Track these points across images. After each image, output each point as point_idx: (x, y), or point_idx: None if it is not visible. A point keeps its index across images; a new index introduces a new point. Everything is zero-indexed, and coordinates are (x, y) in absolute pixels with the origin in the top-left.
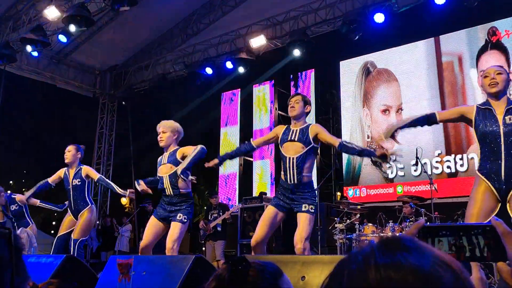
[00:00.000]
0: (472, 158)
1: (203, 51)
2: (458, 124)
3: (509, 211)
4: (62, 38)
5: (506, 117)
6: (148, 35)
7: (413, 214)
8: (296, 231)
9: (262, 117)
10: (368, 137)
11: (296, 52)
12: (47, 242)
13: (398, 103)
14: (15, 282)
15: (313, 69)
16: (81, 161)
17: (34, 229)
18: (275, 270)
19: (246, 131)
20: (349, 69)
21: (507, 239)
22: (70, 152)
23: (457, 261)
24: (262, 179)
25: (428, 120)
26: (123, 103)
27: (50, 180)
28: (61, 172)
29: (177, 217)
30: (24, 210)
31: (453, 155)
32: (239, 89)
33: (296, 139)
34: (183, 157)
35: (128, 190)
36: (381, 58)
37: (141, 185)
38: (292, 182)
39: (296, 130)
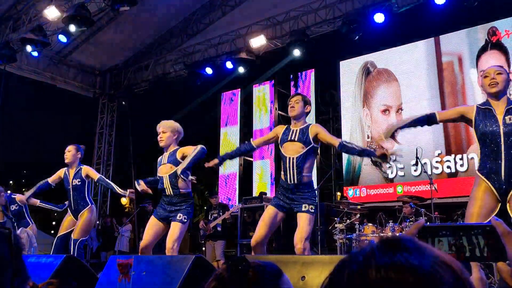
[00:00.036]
0: (472, 158)
1: (203, 51)
2: (458, 124)
3: (509, 211)
4: (62, 38)
5: (506, 117)
6: (148, 35)
7: (413, 214)
8: (296, 231)
9: (262, 117)
10: (368, 137)
11: (296, 52)
12: (47, 242)
13: (398, 103)
14: (15, 282)
15: (313, 69)
16: (81, 161)
17: (34, 229)
18: (275, 270)
19: (246, 131)
20: (349, 69)
21: (507, 239)
22: (70, 152)
23: (457, 261)
24: (262, 179)
25: (428, 120)
26: (123, 103)
27: (50, 180)
28: (61, 172)
29: (177, 217)
30: (24, 210)
31: (453, 155)
32: (239, 89)
33: (296, 139)
34: (183, 157)
35: (128, 190)
36: (381, 58)
37: (141, 185)
38: (292, 182)
39: (296, 130)
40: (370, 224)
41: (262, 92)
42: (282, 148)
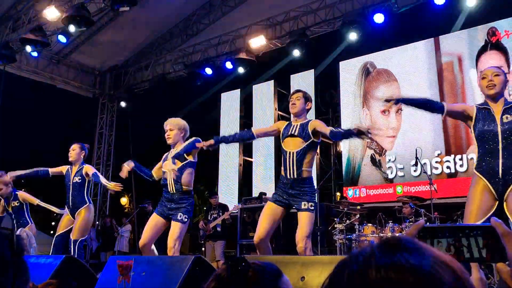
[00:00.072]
0: (472, 158)
1: (202, 52)
2: (458, 125)
3: (506, 210)
4: (62, 38)
5: (503, 116)
6: (148, 35)
7: (413, 215)
8: (297, 230)
9: (262, 118)
10: None
11: (296, 53)
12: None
13: (397, 103)
14: (17, 284)
15: (313, 70)
16: (84, 160)
17: (33, 229)
18: (274, 270)
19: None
20: (349, 70)
21: (507, 239)
22: (74, 151)
23: (457, 262)
24: (262, 179)
25: (435, 108)
26: (123, 103)
27: (51, 170)
28: (63, 168)
29: (178, 217)
30: (24, 208)
31: (452, 156)
32: (239, 89)
33: (296, 134)
34: (188, 154)
35: (112, 183)
36: (380, 59)
37: (124, 171)
38: (292, 176)
39: (297, 126)
40: (370, 224)
41: (262, 93)
42: (283, 143)
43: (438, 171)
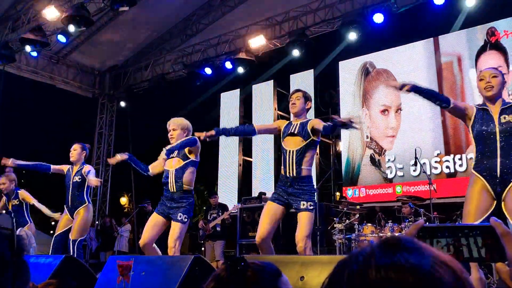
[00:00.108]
0: (471, 158)
1: (202, 52)
2: (458, 125)
3: (504, 210)
4: (61, 38)
5: (501, 117)
6: (148, 35)
7: (412, 214)
8: (296, 230)
9: (261, 118)
10: (367, 137)
11: (296, 52)
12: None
13: (397, 103)
14: (17, 284)
15: (312, 69)
16: (85, 160)
17: (33, 228)
18: (273, 270)
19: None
20: (348, 70)
21: (506, 239)
22: (76, 151)
23: (457, 261)
24: (262, 179)
25: (442, 101)
26: (123, 103)
27: (53, 167)
28: (65, 168)
29: (178, 217)
30: (24, 208)
31: (452, 155)
32: (239, 89)
33: (296, 132)
34: (190, 152)
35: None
36: (380, 58)
37: (114, 159)
38: (291, 175)
39: (297, 124)
40: (369, 224)
41: (262, 93)
42: (283, 142)
43: (438, 171)
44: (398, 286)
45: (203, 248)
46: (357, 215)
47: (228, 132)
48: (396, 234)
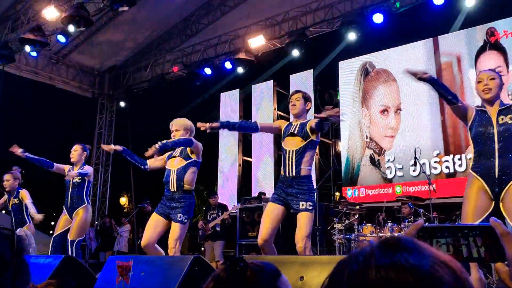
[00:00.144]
0: (471, 158)
1: (202, 52)
2: (457, 125)
3: (503, 210)
4: (61, 38)
5: (499, 118)
6: (147, 35)
7: (412, 215)
8: (296, 230)
9: (261, 118)
10: (366, 137)
11: (295, 53)
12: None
13: (397, 103)
14: (17, 284)
15: (312, 70)
16: (85, 161)
17: (32, 228)
18: (273, 270)
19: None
20: (348, 70)
21: (506, 240)
22: (76, 152)
23: (457, 261)
24: (262, 179)
25: (452, 97)
26: (122, 103)
27: (56, 165)
28: (66, 168)
29: (178, 218)
30: (24, 207)
31: (451, 155)
32: (238, 89)
33: (296, 132)
34: (192, 152)
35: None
36: (380, 59)
37: (109, 147)
38: (291, 174)
39: (297, 125)
40: (369, 224)
41: (261, 93)
42: (283, 142)
43: (437, 171)
44: (398, 286)
45: (202, 248)
46: (357, 215)
47: (231, 126)
48: (396, 234)
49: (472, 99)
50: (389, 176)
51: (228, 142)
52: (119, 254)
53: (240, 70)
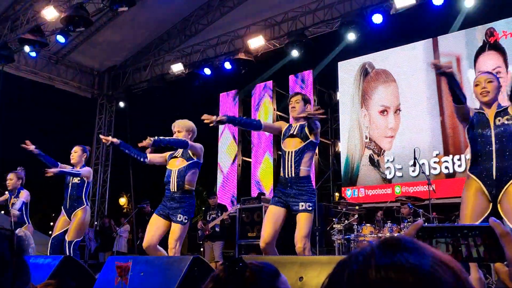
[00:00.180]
0: (469, 159)
1: (201, 52)
2: (456, 125)
3: (501, 211)
4: (60, 38)
5: (496, 119)
6: (147, 35)
7: (411, 215)
8: (295, 230)
9: (260, 118)
10: (366, 138)
11: (295, 53)
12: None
13: (396, 104)
14: (16, 284)
15: (312, 70)
16: (85, 162)
17: (31, 229)
18: (272, 270)
19: (245, 132)
20: (348, 70)
21: (505, 240)
22: (76, 153)
23: (457, 261)
24: (261, 179)
25: (463, 97)
26: (121, 103)
27: (60, 165)
28: (67, 168)
29: (177, 218)
30: (24, 208)
31: (451, 156)
32: (238, 89)
33: (295, 134)
34: (194, 153)
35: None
36: (379, 59)
37: (106, 138)
38: (290, 175)
39: (296, 126)
40: (368, 224)
41: (261, 93)
42: (283, 143)
43: (437, 171)
44: (398, 286)
45: (202, 249)
46: (356, 216)
47: (236, 121)
48: (395, 235)
49: (472, 99)
50: (389, 177)
51: (228, 143)
52: (119, 255)
53: (239, 70)
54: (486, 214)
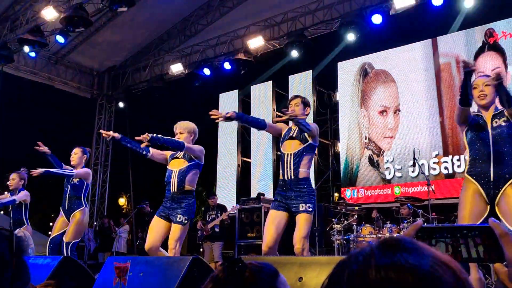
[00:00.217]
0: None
1: (201, 52)
2: (456, 126)
3: (498, 213)
4: (60, 39)
5: (493, 121)
6: (146, 36)
7: (411, 215)
8: (294, 231)
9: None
10: (365, 138)
11: (294, 53)
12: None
13: (395, 104)
14: (16, 285)
15: (311, 70)
16: (85, 164)
17: (30, 230)
18: (271, 271)
19: (244, 132)
20: (347, 70)
21: (505, 240)
22: (76, 155)
23: (456, 262)
24: (260, 180)
25: (471, 97)
26: (121, 104)
27: (64, 166)
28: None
29: (177, 219)
30: (23, 208)
31: (450, 156)
32: (237, 90)
33: (295, 136)
34: (195, 156)
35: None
36: (378, 59)
37: (107, 133)
38: (289, 177)
39: (296, 129)
40: (368, 225)
41: (260, 93)
42: (282, 146)
43: (436, 172)
44: (398, 286)
45: (201, 249)
46: (356, 216)
47: (243, 119)
48: (395, 235)
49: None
50: (388, 177)
51: (227, 143)
52: (118, 255)
53: (239, 70)
54: (484, 217)
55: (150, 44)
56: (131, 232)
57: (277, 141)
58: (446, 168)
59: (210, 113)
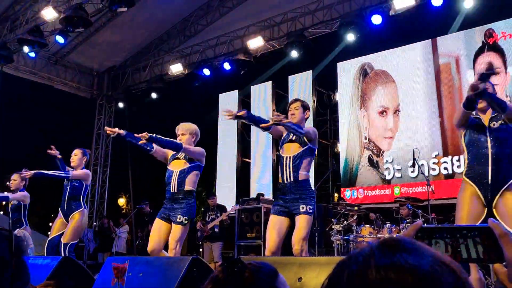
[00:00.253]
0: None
1: (201, 52)
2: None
3: (497, 215)
4: (60, 39)
5: (491, 124)
6: (146, 36)
7: (410, 216)
8: (294, 232)
9: None
10: (365, 139)
11: (294, 54)
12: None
13: (395, 105)
14: (16, 285)
15: (311, 71)
16: (85, 165)
17: (29, 230)
18: (270, 271)
19: (244, 132)
20: (347, 71)
21: (504, 241)
22: (76, 156)
23: (456, 262)
24: (260, 180)
25: (476, 102)
26: (121, 104)
27: (67, 168)
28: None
29: (177, 219)
30: (22, 209)
31: (450, 157)
32: (237, 90)
33: (294, 139)
34: (193, 157)
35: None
36: (378, 60)
37: (112, 130)
38: (288, 180)
39: None
40: (367, 225)
41: (260, 94)
42: (281, 149)
43: (436, 172)
44: (398, 286)
45: (201, 249)
46: (355, 217)
47: (251, 118)
48: (395, 235)
49: None
50: (388, 177)
51: (227, 143)
52: (118, 255)
53: (238, 71)
54: (482, 220)
55: (150, 44)
56: (131, 233)
57: (277, 141)
58: (445, 168)
59: (223, 111)
